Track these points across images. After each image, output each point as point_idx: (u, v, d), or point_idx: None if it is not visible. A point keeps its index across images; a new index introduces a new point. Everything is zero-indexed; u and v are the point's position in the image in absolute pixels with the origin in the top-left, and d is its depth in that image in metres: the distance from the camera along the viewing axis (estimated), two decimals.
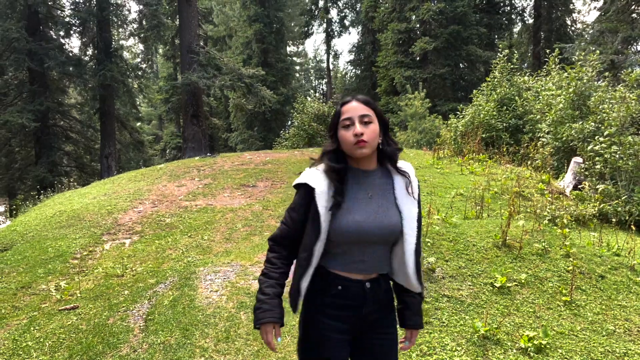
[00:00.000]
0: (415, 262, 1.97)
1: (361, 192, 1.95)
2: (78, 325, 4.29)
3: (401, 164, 2.04)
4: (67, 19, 21.97)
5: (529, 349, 3.55)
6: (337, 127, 1.96)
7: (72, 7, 22.25)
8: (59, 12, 22.37)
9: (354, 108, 1.93)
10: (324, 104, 20.30)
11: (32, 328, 4.34)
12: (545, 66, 12.45)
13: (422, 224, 5.23)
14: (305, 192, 1.94)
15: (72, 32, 22.13)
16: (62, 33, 22.07)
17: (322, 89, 58.01)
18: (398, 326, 2.09)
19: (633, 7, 17.84)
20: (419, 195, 2.03)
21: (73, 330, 4.20)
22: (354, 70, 44.16)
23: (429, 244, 4.96)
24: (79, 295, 5.03)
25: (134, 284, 5.11)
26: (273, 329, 1.93)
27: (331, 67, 51.56)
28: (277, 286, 1.95)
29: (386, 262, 2.01)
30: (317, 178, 1.94)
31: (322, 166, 1.98)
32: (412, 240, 1.94)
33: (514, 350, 3.57)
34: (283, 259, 1.99)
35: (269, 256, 2.01)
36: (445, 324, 3.85)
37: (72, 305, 4.72)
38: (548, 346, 3.60)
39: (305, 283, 1.93)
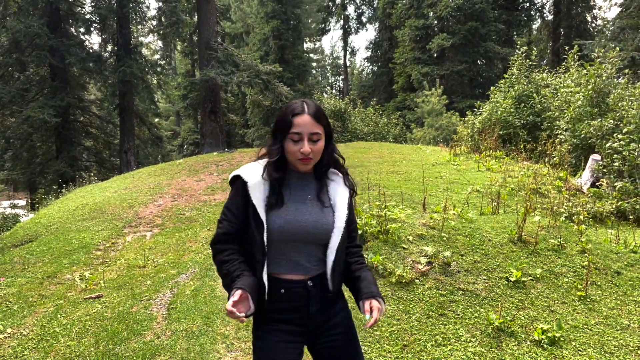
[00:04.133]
0: (334, 260, 1.97)
1: (299, 193, 1.99)
2: (103, 313, 4.44)
3: (334, 170, 2.09)
4: (88, 16, 22.33)
5: (543, 341, 3.61)
6: (285, 135, 1.92)
7: (92, 4, 22.57)
8: (80, 9, 22.72)
9: (305, 123, 1.89)
10: (340, 100, 20.38)
11: (59, 315, 4.50)
12: (564, 63, 12.37)
13: (438, 219, 5.32)
14: (240, 185, 1.94)
15: (92, 28, 22.48)
16: (82, 30, 22.42)
17: (339, 86, 58.05)
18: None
19: None
20: (350, 198, 2.08)
21: (98, 317, 4.35)
22: (370, 67, 44.20)
23: (444, 238, 5.02)
24: (103, 285, 5.19)
25: (156, 275, 5.26)
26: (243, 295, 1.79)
27: (348, 63, 51.58)
28: (243, 272, 1.87)
29: (321, 262, 2.00)
30: (252, 171, 1.95)
31: (262, 160, 2.00)
32: (336, 240, 1.96)
33: (528, 342, 3.64)
34: (238, 253, 1.94)
35: (219, 258, 1.93)
36: (460, 316, 3.92)
37: (96, 294, 4.88)
38: (562, 339, 3.66)
39: (265, 276, 1.91)
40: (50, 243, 6.74)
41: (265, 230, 1.88)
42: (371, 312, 1.92)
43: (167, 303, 4.49)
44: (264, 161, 1.99)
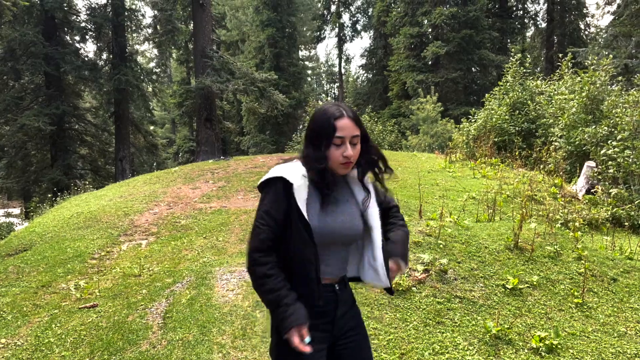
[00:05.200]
0: (384, 257, 2.00)
1: (335, 195, 1.99)
2: (98, 322, 4.40)
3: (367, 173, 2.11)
4: (83, 24, 22.33)
5: (541, 349, 3.61)
6: (329, 141, 1.88)
7: (87, 12, 22.59)
8: (75, 17, 22.70)
9: (347, 127, 1.88)
10: None
11: (53, 325, 4.46)
12: (558, 70, 12.45)
13: (435, 226, 5.33)
14: (282, 187, 1.86)
15: (87, 36, 22.48)
16: (77, 38, 22.45)
17: (334, 93, 58.15)
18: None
19: None
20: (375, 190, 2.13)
21: (93, 327, 4.31)
22: (365, 75, 44.24)
23: (441, 245, 5.02)
24: (98, 294, 5.15)
25: (152, 284, 5.22)
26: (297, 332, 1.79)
27: (343, 71, 51.70)
28: (290, 292, 1.84)
29: (345, 264, 2.04)
30: (293, 172, 1.87)
31: (295, 162, 1.94)
32: (379, 237, 1.99)
33: (526, 350, 3.63)
34: (278, 267, 1.87)
35: (262, 271, 1.85)
36: (457, 324, 3.91)
37: (91, 304, 4.84)
38: (559, 346, 3.65)
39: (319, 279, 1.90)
40: (45, 252, 6.69)
41: (313, 232, 1.84)
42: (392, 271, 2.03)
43: (163, 312, 4.46)
44: (296, 163, 1.93)
